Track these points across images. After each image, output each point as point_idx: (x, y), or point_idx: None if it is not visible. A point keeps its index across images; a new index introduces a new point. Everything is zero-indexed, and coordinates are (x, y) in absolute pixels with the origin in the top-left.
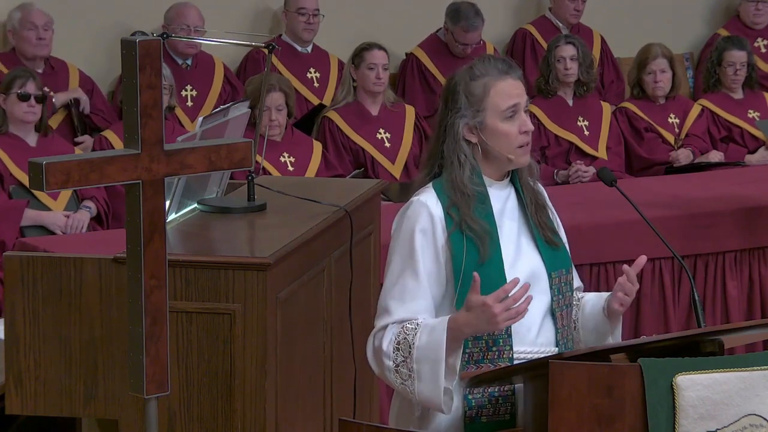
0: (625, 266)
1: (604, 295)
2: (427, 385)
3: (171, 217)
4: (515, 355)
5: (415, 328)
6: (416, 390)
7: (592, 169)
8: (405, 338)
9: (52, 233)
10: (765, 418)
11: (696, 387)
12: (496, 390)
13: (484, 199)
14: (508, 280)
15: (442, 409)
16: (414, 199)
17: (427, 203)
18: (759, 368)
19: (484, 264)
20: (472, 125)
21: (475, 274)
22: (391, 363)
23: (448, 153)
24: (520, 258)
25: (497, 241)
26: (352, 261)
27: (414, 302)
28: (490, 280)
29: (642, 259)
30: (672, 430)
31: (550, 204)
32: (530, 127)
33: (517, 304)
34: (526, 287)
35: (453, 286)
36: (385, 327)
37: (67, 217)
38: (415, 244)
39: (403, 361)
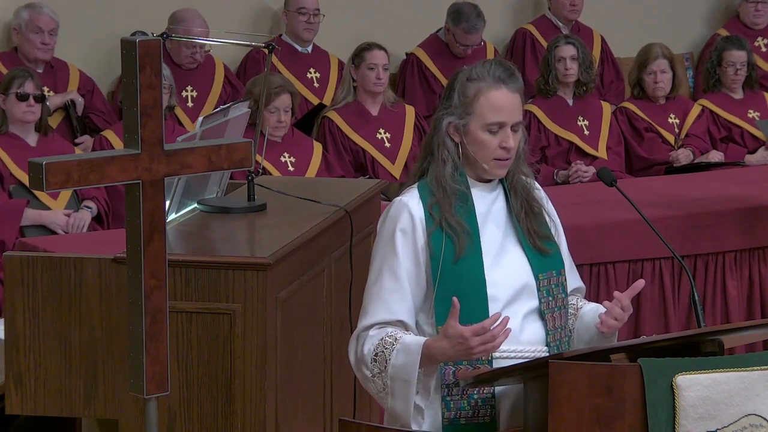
0: (617, 293)
1: (600, 309)
2: (398, 403)
3: (171, 217)
4: (498, 354)
5: (393, 343)
6: (389, 404)
7: (592, 169)
8: (383, 351)
9: (53, 233)
10: (765, 418)
11: (696, 387)
12: (476, 393)
13: (466, 199)
14: (486, 280)
15: (411, 426)
16: (396, 199)
17: (408, 204)
18: (759, 368)
19: (461, 259)
20: (456, 125)
21: (455, 299)
22: (368, 373)
23: (434, 147)
24: (503, 258)
25: (476, 239)
26: (352, 261)
27: (393, 303)
28: (468, 278)
29: (639, 284)
30: (672, 430)
31: (550, 208)
32: (511, 144)
33: (496, 340)
34: (506, 322)
35: (433, 287)
36: (366, 329)
37: (68, 216)
38: (396, 244)
39: (379, 373)
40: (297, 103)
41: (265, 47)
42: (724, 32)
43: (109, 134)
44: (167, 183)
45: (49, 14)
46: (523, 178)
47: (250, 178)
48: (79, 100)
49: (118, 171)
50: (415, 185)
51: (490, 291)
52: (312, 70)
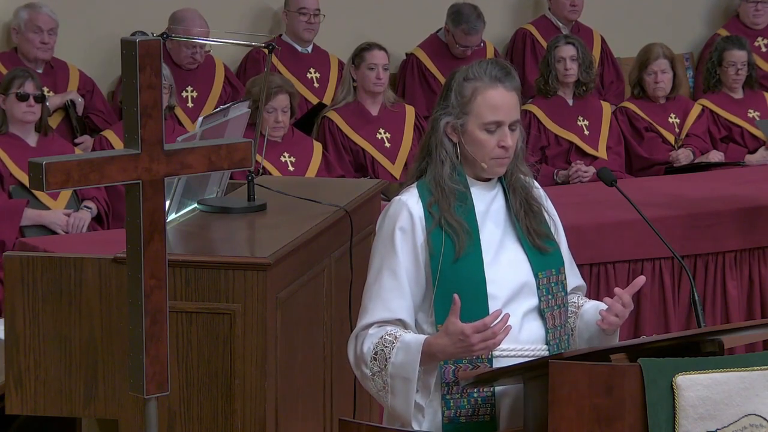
0: (618, 289)
1: (602, 306)
2: (399, 401)
3: (171, 217)
4: (497, 352)
5: (393, 342)
6: (389, 402)
7: (592, 169)
8: (383, 350)
9: (53, 233)
10: (765, 418)
11: (696, 387)
12: (476, 391)
13: (465, 198)
14: (486, 279)
15: (411, 425)
16: (395, 198)
17: (408, 203)
18: (759, 368)
19: (460, 258)
20: (454, 125)
21: (456, 296)
22: (368, 371)
23: (432, 147)
24: (503, 257)
25: (476, 238)
26: (352, 261)
27: (393, 301)
28: (468, 276)
29: (640, 280)
30: (672, 430)
31: (549, 207)
32: (509, 143)
33: (497, 337)
34: (506, 318)
35: (432, 286)
36: (365, 328)
37: (68, 216)
38: (395, 243)
39: (379, 372)
40: (296, 103)
41: (265, 47)
42: (724, 32)
43: (109, 134)
44: (167, 183)
45: (48, 13)
46: (522, 176)
47: (250, 178)
48: (79, 100)
49: (118, 171)
50: (414, 185)
51: (490, 289)
52: (312, 70)
